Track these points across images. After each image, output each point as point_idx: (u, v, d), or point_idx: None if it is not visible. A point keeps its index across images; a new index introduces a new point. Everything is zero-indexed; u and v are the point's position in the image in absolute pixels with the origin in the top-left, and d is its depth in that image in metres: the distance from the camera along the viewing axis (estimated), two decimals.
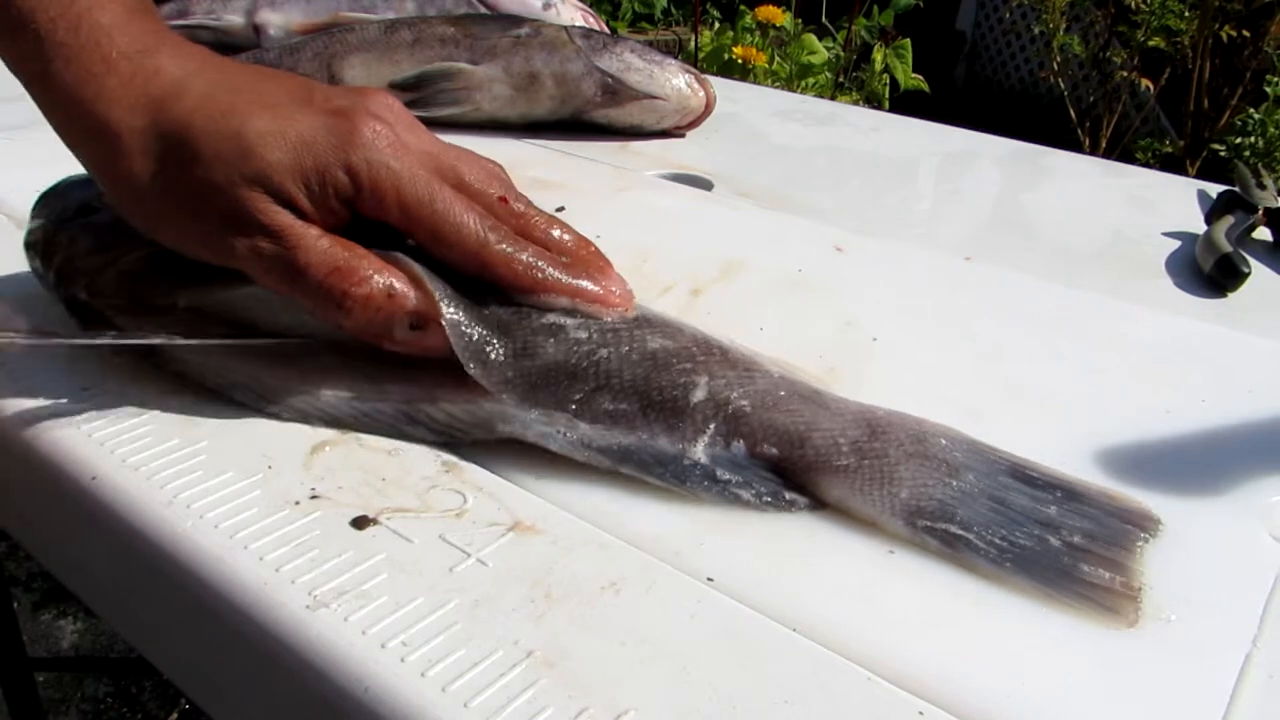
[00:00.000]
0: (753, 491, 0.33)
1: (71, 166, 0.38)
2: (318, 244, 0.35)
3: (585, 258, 0.38)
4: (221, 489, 0.33)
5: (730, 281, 0.37)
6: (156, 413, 0.36)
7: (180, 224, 0.36)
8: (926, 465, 0.33)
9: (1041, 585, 0.30)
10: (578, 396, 0.35)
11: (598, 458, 0.34)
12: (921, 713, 0.26)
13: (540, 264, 0.37)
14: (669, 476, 0.33)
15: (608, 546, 0.31)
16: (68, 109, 0.36)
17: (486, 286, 0.36)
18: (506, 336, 0.35)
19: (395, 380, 0.36)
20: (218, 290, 0.37)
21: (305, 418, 0.36)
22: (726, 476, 0.33)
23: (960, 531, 0.31)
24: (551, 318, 0.36)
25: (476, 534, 0.31)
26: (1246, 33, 1.92)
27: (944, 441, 0.34)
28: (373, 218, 0.36)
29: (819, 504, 0.33)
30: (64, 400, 0.36)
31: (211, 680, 0.33)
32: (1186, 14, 1.90)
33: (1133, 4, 1.95)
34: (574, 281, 0.37)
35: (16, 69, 0.37)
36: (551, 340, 0.36)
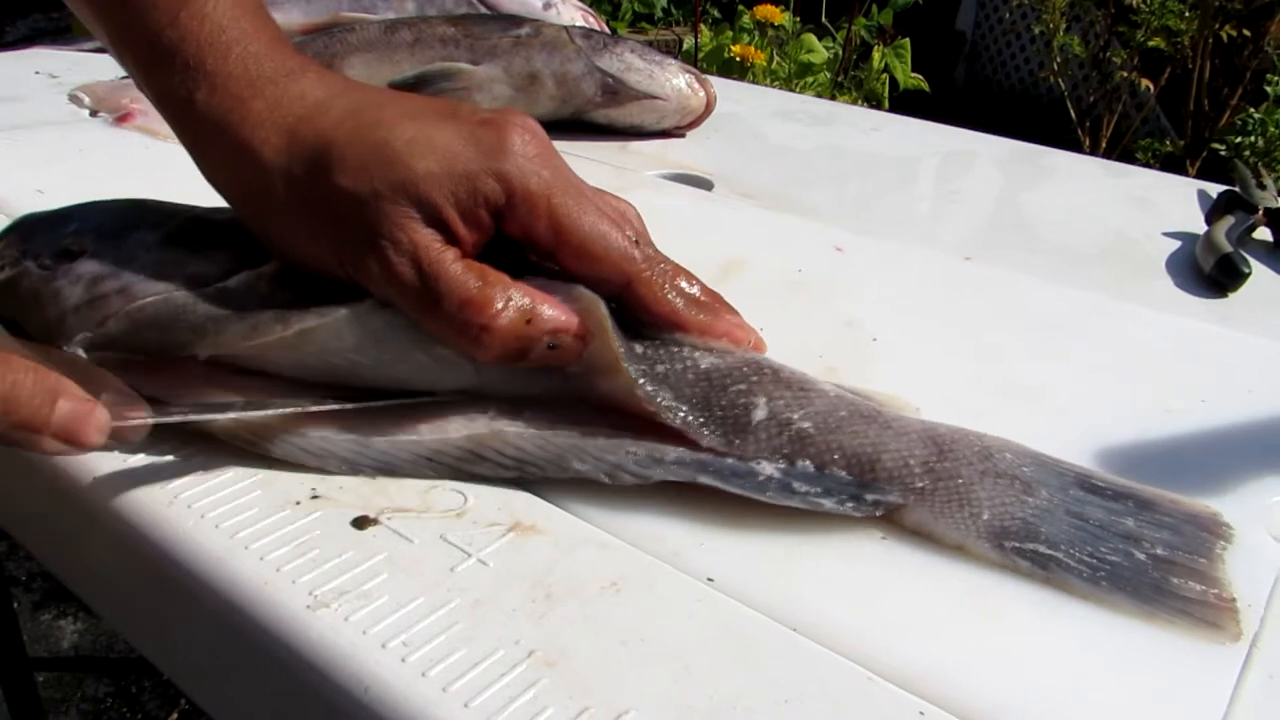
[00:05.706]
0: (835, 499, 0.32)
1: (68, 165, 0.37)
2: (451, 270, 0.33)
3: (714, 304, 0.37)
4: (222, 489, 0.33)
5: (730, 281, 0.37)
6: None
7: (316, 239, 0.35)
8: (1000, 483, 0.33)
9: (1139, 603, 0.29)
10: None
11: (676, 471, 0.33)
12: (922, 713, 0.26)
13: (676, 296, 0.36)
14: (748, 488, 0.32)
15: (608, 546, 0.31)
16: (211, 135, 0.36)
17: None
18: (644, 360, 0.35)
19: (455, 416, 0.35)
20: (239, 340, 0.35)
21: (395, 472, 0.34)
22: (804, 488, 0.32)
23: (1049, 551, 0.31)
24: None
25: (477, 534, 0.32)
26: (1247, 32, 1.92)
27: (1010, 456, 0.34)
28: (517, 233, 0.35)
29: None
30: None
31: (211, 680, 0.33)
32: (1186, 14, 1.90)
33: (1133, 4, 1.95)
34: (704, 318, 0.36)
35: (162, 103, 0.37)
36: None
